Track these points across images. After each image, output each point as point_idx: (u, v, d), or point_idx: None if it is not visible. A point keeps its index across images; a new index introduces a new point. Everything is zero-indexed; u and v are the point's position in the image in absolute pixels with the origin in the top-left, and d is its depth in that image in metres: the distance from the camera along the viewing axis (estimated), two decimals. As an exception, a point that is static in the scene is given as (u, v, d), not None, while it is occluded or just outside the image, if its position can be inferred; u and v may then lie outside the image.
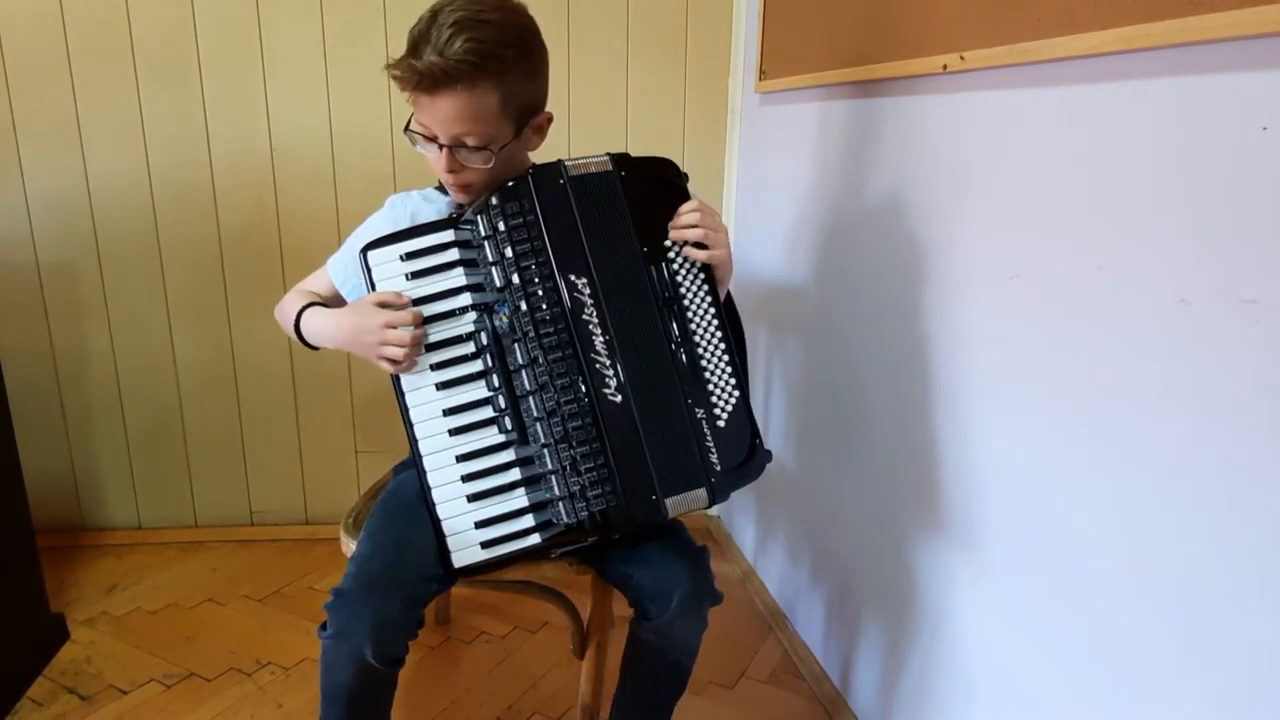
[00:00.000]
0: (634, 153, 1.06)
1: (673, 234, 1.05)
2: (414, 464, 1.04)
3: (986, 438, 1.06)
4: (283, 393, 2.01)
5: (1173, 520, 0.77)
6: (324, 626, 0.99)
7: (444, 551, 1.03)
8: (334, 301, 1.19)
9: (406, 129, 1.05)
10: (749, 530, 1.99)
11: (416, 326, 1.02)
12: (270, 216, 1.90)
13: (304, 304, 1.14)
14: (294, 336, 1.15)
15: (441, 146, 1.02)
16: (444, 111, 0.99)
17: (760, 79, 1.74)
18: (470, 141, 1.01)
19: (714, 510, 2.22)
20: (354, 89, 1.86)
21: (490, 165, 1.03)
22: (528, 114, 1.06)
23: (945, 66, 1.07)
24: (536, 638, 1.70)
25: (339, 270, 1.19)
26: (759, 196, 1.85)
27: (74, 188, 1.84)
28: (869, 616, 1.38)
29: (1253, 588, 0.70)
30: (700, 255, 1.04)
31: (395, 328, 1.01)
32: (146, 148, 1.84)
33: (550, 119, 1.10)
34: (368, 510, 1.14)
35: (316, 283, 1.22)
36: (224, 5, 1.79)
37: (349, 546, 1.13)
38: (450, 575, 1.04)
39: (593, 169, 1.04)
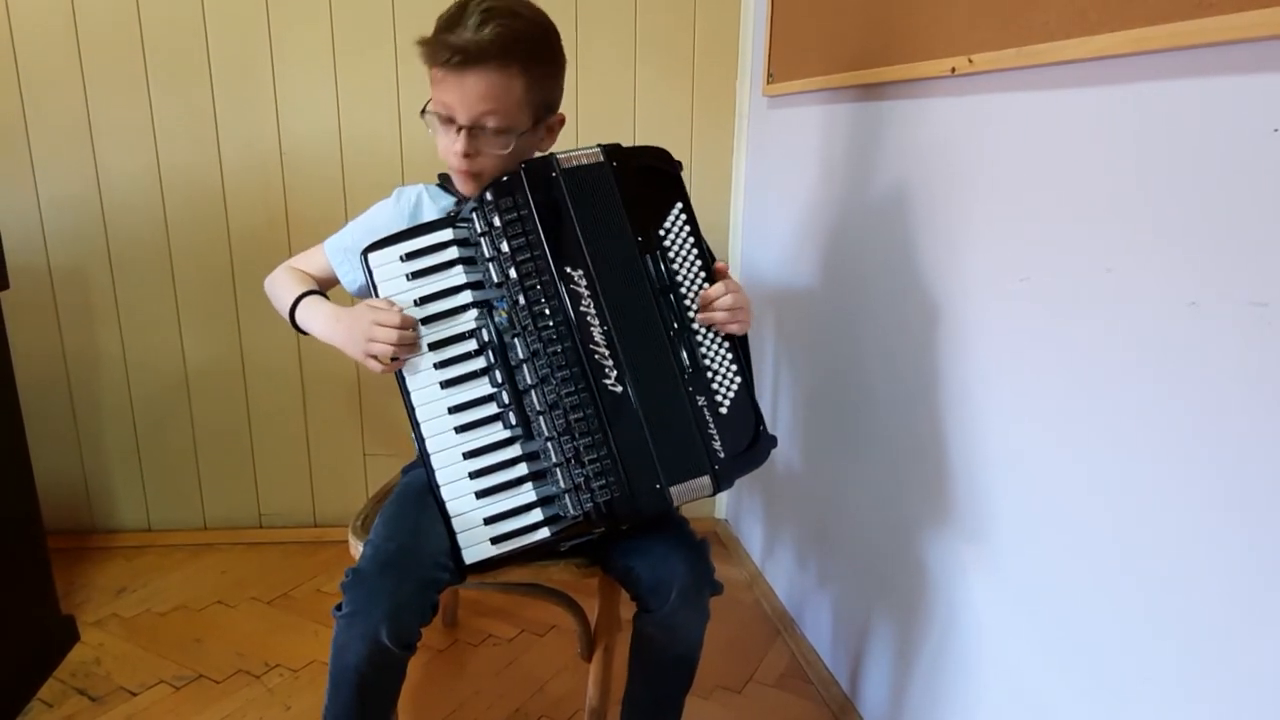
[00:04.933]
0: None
1: (700, 317, 1.05)
2: (422, 464, 1.04)
3: (996, 441, 1.05)
4: (291, 395, 2.02)
5: (1184, 522, 0.77)
6: (339, 607, 1.00)
7: (455, 548, 1.03)
8: (326, 283, 1.20)
9: (423, 111, 1.06)
10: (756, 533, 1.98)
11: (409, 329, 1.03)
12: (280, 220, 1.91)
13: (302, 290, 1.15)
14: (285, 318, 1.16)
15: (460, 128, 1.03)
16: (471, 89, 1.00)
17: (768, 82, 1.74)
18: (492, 124, 1.03)
19: (721, 513, 2.22)
20: (363, 93, 1.86)
21: (509, 150, 1.04)
22: (545, 110, 1.08)
23: (954, 69, 1.07)
24: (544, 641, 1.70)
25: (337, 253, 1.19)
26: (767, 199, 1.85)
27: (85, 191, 1.85)
28: (877, 620, 1.38)
29: (1260, 591, 0.69)
30: (728, 329, 1.06)
31: (384, 327, 1.02)
32: (157, 151, 1.85)
33: (563, 121, 1.13)
34: (376, 512, 1.14)
35: (310, 262, 1.22)
36: (235, 9, 1.80)
37: (357, 549, 1.13)
38: (461, 572, 1.04)
39: (584, 160, 1.04)
